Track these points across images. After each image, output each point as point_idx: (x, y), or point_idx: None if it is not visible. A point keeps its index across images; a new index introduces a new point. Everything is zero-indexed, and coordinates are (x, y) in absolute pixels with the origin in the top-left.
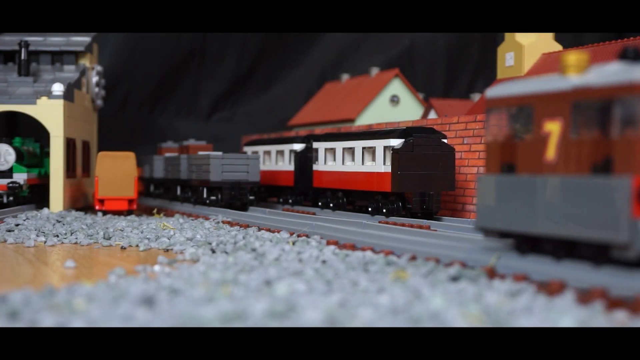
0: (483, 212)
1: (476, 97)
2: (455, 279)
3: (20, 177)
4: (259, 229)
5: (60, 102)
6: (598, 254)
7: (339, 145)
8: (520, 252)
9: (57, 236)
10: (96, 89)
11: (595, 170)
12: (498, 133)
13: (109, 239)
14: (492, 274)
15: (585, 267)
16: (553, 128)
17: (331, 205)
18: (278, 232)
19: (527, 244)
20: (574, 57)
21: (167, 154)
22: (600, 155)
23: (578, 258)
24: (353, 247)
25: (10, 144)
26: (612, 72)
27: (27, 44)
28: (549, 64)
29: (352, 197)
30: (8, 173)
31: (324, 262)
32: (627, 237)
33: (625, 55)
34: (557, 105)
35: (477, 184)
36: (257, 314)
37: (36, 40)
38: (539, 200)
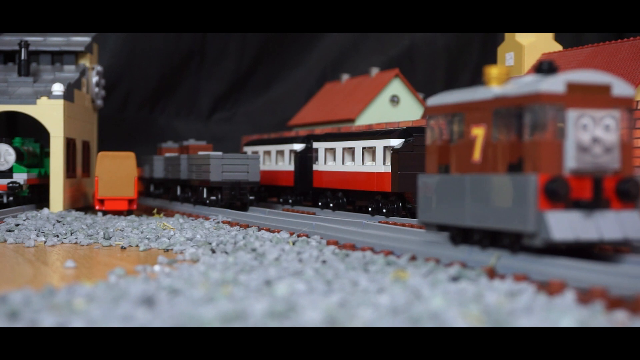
0: (423, 208)
1: None
2: (455, 279)
3: (20, 177)
4: (259, 229)
5: (60, 102)
6: (514, 242)
7: (339, 145)
8: (454, 243)
9: (57, 236)
10: (96, 89)
11: (511, 169)
12: (436, 137)
13: (109, 239)
14: (492, 274)
15: (585, 267)
16: (479, 132)
17: (331, 205)
18: (278, 232)
19: (460, 235)
20: (495, 70)
21: (167, 154)
22: (515, 156)
23: (500, 247)
24: (353, 247)
25: (10, 144)
26: (524, 84)
27: (27, 44)
28: None
29: (352, 197)
30: (8, 173)
31: (324, 262)
32: (534, 227)
33: (540, 68)
34: (482, 113)
35: (418, 184)
36: (257, 314)
37: (36, 40)
38: (467, 196)
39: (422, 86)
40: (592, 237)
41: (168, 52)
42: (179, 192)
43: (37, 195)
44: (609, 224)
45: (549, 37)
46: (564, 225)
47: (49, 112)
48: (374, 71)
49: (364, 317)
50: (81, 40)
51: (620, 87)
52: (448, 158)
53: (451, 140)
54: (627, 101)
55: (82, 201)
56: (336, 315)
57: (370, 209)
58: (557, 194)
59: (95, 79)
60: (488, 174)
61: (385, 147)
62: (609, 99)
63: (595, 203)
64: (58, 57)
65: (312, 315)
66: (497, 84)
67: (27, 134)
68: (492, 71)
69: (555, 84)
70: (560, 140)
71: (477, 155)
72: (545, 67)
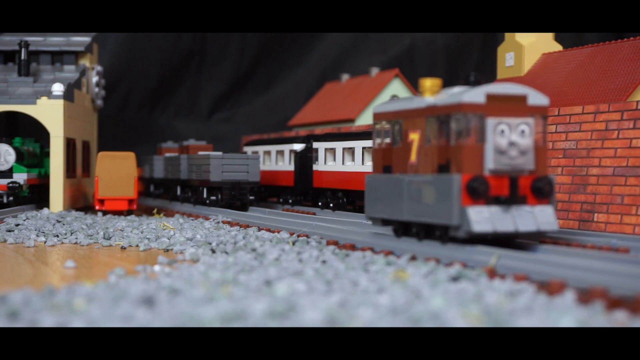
0: (370, 204)
1: None
2: (455, 279)
3: (20, 177)
4: (259, 229)
5: (60, 102)
6: (443, 234)
7: (339, 145)
8: (396, 235)
9: (57, 236)
10: (96, 89)
11: (440, 170)
12: (381, 141)
13: (109, 239)
14: (492, 274)
15: (585, 267)
16: (414, 137)
17: (331, 205)
18: (278, 232)
19: (401, 228)
20: (429, 82)
21: (167, 154)
22: (443, 158)
23: (433, 238)
24: (353, 247)
25: (10, 144)
26: (451, 95)
27: (27, 44)
28: (549, 64)
29: (352, 197)
30: (8, 173)
31: (324, 262)
32: (458, 221)
33: (467, 80)
34: (417, 120)
35: (365, 182)
36: (257, 314)
37: (36, 40)
38: (405, 194)
39: None
40: (508, 230)
41: (168, 52)
42: (179, 192)
43: (37, 195)
44: (524, 218)
45: (549, 37)
46: (483, 218)
47: (49, 112)
48: (374, 71)
49: (364, 317)
50: (81, 40)
51: (535, 97)
52: (390, 160)
53: (393, 143)
54: (541, 109)
55: (82, 201)
56: (336, 315)
57: None
58: (477, 191)
59: (95, 79)
60: (422, 174)
61: None
62: (524, 108)
63: (511, 199)
64: (58, 57)
65: (312, 315)
66: (429, 94)
67: (27, 134)
68: (426, 83)
69: (476, 95)
70: (481, 144)
71: (413, 157)
72: (471, 79)
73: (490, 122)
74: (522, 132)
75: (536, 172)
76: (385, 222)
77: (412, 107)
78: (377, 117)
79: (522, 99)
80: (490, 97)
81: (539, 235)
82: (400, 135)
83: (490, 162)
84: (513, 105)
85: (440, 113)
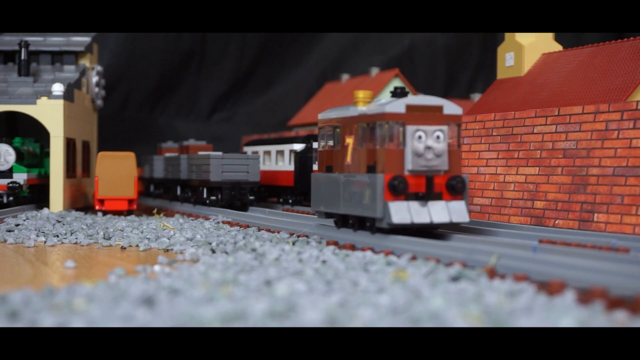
0: (315, 199)
1: (476, 97)
2: (455, 279)
3: (20, 177)
4: (259, 229)
5: (60, 102)
6: (372, 226)
7: None
8: (337, 227)
9: (57, 236)
10: (96, 89)
11: (368, 170)
12: (324, 144)
13: (109, 239)
14: (492, 274)
15: (585, 267)
16: (350, 141)
17: None
18: (278, 232)
19: (341, 220)
20: (362, 94)
21: (167, 154)
22: (371, 160)
23: (365, 229)
24: (353, 247)
25: (10, 144)
26: (377, 105)
27: (27, 44)
28: (549, 64)
29: None
30: (8, 173)
31: (324, 262)
32: (382, 214)
33: (395, 93)
34: (351, 126)
35: (311, 180)
36: (257, 314)
37: (36, 40)
38: (342, 190)
39: (422, 86)
40: (424, 221)
41: (168, 52)
42: (179, 192)
43: (37, 195)
44: (438, 211)
45: (549, 37)
46: (402, 212)
47: (49, 112)
48: (374, 71)
49: (364, 317)
50: (81, 40)
51: (450, 108)
52: (331, 160)
53: (333, 146)
54: (455, 117)
55: (82, 201)
56: (336, 315)
57: None
58: (397, 189)
59: (95, 79)
60: (355, 174)
61: None
62: (440, 117)
63: (427, 195)
64: (58, 57)
65: (312, 315)
66: (362, 104)
67: (27, 134)
68: (359, 94)
69: (397, 106)
70: (402, 148)
71: (348, 159)
72: (397, 92)
73: (410, 129)
74: (438, 137)
75: (450, 172)
76: (328, 215)
77: (348, 115)
78: (321, 122)
79: (439, 109)
80: (410, 108)
81: (452, 225)
82: (338, 139)
83: (409, 164)
84: (430, 115)
85: (369, 121)
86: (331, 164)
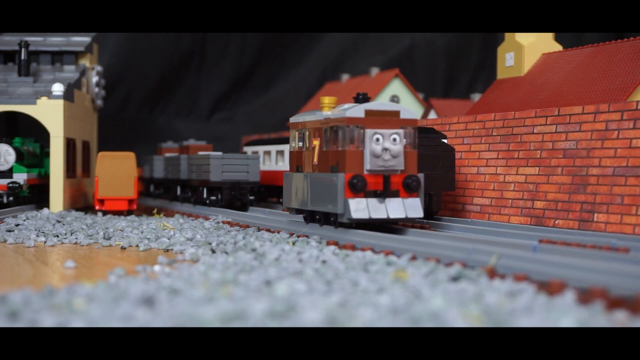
0: (286, 197)
1: (476, 97)
2: (455, 279)
3: (20, 177)
4: (259, 229)
5: (60, 102)
6: (335, 221)
7: None
8: (305, 222)
9: (57, 236)
10: (96, 89)
11: (332, 170)
12: (294, 146)
13: (109, 239)
14: (492, 274)
15: (585, 267)
16: (316, 143)
17: None
18: (278, 232)
19: (309, 216)
20: (327, 100)
21: (167, 154)
22: (334, 160)
23: (329, 224)
24: (353, 247)
25: (10, 144)
26: (340, 110)
27: (27, 44)
28: (549, 64)
29: None
30: (8, 173)
31: (324, 262)
32: (342, 210)
33: (357, 98)
34: (317, 130)
35: (283, 179)
36: (257, 314)
37: (36, 40)
38: (310, 188)
39: (422, 86)
40: (381, 217)
41: (168, 52)
42: (179, 192)
43: (37, 195)
44: (395, 207)
45: (549, 37)
46: (361, 208)
47: (49, 112)
48: (374, 71)
49: (364, 317)
50: (81, 40)
51: (406, 113)
52: (301, 161)
53: (302, 148)
54: (411, 122)
55: (82, 201)
56: (336, 315)
57: None
58: (357, 187)
59: (95, 79)
60: (320, 173)
61: None
62: (397, 121)
63: (385, 193)
64: (58, 57)
65: (312, 315)
66: (327, 109)
67: (27, 134)
68: (324, 100)
69: (357, 111)
70: (361, 150)
71: (315, 159)
72: (360, 97)
73: (368, 132)
74: (394, 140)
75: (406, 171)
76: (298, 211)
77: (315, 119)
78: (292, 126)
79: (396, 113)
80: (369, 113)
81: (407, 220)
82: (307, 141)
83: (367, 164)
84: (387, 119)
85: (332, 124)
86: (301, 164)
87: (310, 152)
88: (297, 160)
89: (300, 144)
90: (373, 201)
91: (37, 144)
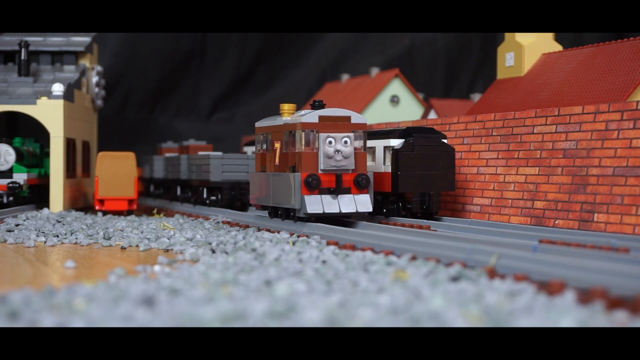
0: (253, 194)
1: (476, 97)
2: (455, 279)
3: (20, 177)
4: (259, 229)
5: (60, 102)
6: (294, 215)
7: None
8: (270, 217)
9: (57, 236)
10: (96, 89)
11: (291, 170)
12: (260, 148)
13: (109, 239)
14: (492, 274)
15: (585, 267)
16: (277, 146)
17: None
18: (278, 232)
19: (273, 212)
20: (286, 106)
21: (167, 154)
22: (292, 161)
23: (290, 219)
24: (353, 247)
25: (10, 144)
26: (297, 115)
27: (27, 44)
28: (549, 64)
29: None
30: (8, 173)
31: (324, 262)
32: (299, 205)
33: (314, 105)
34: (278, 134)
35: (249, 178)
36: (257, 314)
37: (36, 40)
38: (272, 187)
39: (422, 86)
40: (334, 211)
41: (168, 52)
42: (179, 192)
43: (37, 195)
44: (346, 203)
45: (549, 37)
46: (316, 203)
47: (49, 112)
48: (374, 71)
49: (364, 317)
50: (81, 40)
51: (357, 118)
52: (265, 161)
53: (266, 150)
54: (361, 126)
55: (82, 201)
56: (336, 315)
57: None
58: (311, 185)
59: (95, 79)
60: (280, 173)
61: (385, 148)
62: (348, 125)
63: (337, 190)
64: (58, 57)
65: (312, 315)
66: (287, 115)
67: (27, 134)
68: (284, 107)
69: (311, 117)
70: (315, 151)
71: (277, 160)
72: (316, 104)
73: (322, 135)
74: (345, 142)
75: (357, 170)
76: (263, 207)
77: (276, 124)
78: (257, 130)
79: (347, 119)
80: (322, 118)
81: (357, 214)
82: (270, 144)
83: (321, 164)
84: (339, 124)
85: (290, 129)
86: (265, 164)
87: (272, 154)
88: (261, 161)
89: (264, 146)
90: (327, 197)
91: (37, 144)
